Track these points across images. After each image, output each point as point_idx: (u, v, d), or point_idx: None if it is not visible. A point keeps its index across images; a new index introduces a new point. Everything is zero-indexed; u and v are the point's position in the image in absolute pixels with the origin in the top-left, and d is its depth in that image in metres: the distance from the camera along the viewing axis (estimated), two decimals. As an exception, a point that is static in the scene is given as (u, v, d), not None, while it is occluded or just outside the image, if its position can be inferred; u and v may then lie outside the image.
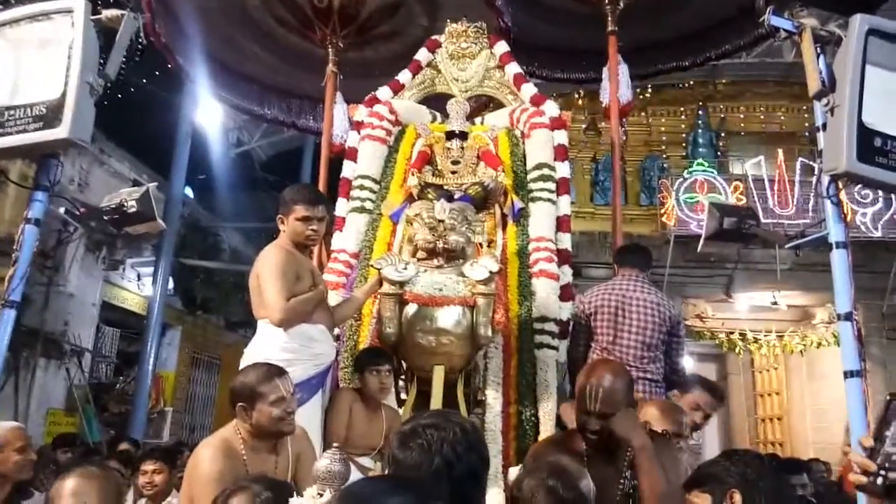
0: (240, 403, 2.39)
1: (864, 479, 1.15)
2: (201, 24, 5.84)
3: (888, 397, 1.20)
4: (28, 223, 2.26)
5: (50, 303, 8.19)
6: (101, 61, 2.30)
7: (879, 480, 1.13)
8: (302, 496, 2.02)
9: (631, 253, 4.20)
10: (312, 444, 2.62)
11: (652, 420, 2.72)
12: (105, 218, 3.54)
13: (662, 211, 10.20)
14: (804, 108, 10.78)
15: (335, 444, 2.19)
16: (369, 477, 2.54)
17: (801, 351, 10.79)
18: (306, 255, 3.25)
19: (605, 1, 5.36)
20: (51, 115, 2.16)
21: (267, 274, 2.94)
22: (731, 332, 10.99)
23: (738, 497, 1.84)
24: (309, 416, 2.89)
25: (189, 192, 11.80)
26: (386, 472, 1.59)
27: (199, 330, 11.95)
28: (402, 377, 3.57)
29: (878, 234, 9.42)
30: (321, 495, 2.01)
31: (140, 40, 2.56)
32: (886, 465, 1.14)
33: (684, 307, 10.19)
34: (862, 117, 1.98)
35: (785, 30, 2.18)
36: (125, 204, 3.48)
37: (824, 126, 2.07)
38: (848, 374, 1.98)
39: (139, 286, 10.29)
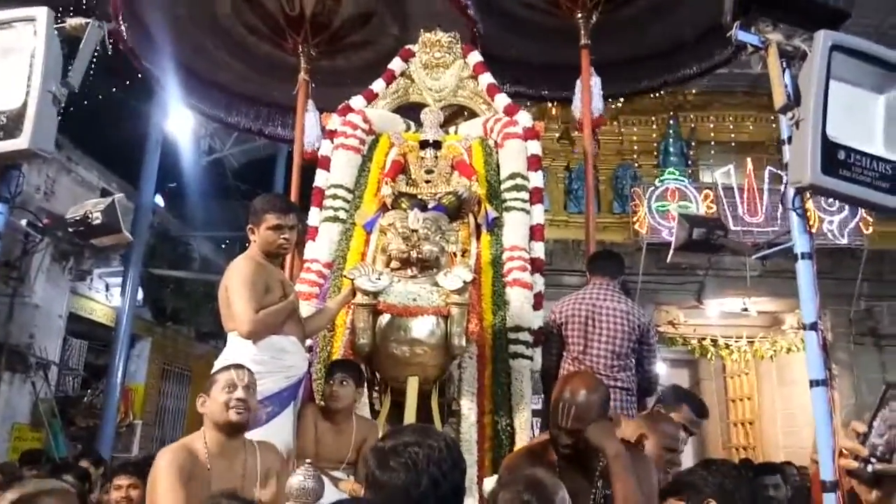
0: (201, 393, 2.45)
1: (854, 465, 1.17)
2: (170, 33, 5.77)
3: (885, 386, 1.22)
4: (-13, 235, 2.20)
5: (15, 314, 8.00)
6: (68, 70, 2.26)
7: (869, 468, 1.15)
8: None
9: (602, 260, 4.23)
10: (283, 460, 2.59)
11: (646, 433, 2.69)
12: (70, 230, 3.46)
13: (635, 219, 10.31)
14: (772, 118, 10.97)
15: (308, 461, 2.17)
16: (353, 499, 2.49)
17: (771, 356, 10.97)
18: (277, 265, 3.21)
19: (577, 14, 5.41)
20: (11, 125, 2.11)
21: (236, 285, 2.90)
22: (703, 338, 11.13)
23: None
24: (281, 429, 2.86)
25: (159, 200, 11.62)
26: (363, 492, 1.55)
27: (170, 341, 11.75)
28: (376, 388, 3.54)
29: (845, 241, 9.63)
30: (294, 512, 1.99)
31: (107, 48, 2.51)
32: (876, 454, 1.16)
33: (657, 314, 10.30)
34: (826, 131, 2.02)
35: (751, 44, 2.22)
36: (90, 216, 3.40)
37: (790, 139, 2.11)
38: (813, 383, 2.01)
39: (107, 297, 10.10)
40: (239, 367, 2.49)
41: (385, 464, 1.42)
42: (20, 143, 2.11)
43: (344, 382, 3.10)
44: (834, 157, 2.02)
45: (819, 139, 2.00)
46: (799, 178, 2.02)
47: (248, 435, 2.54)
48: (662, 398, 3.46)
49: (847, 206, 9.58)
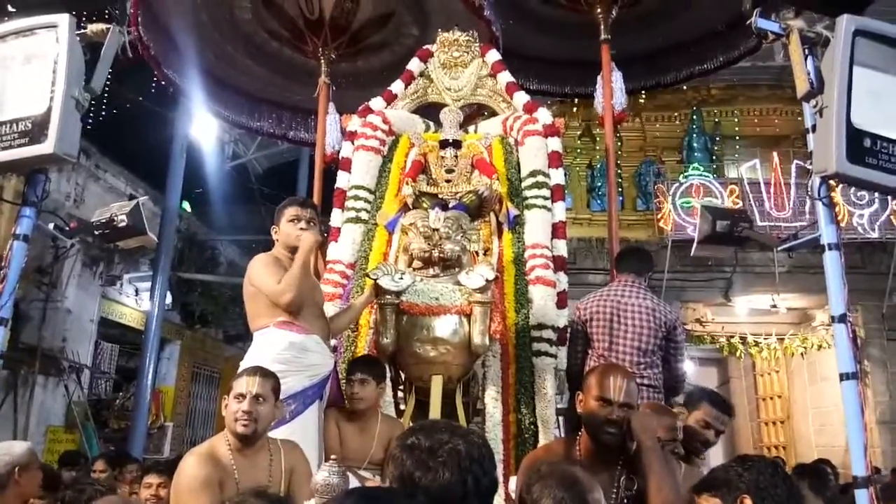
0: (224, 395, 2.48)
1: None
2: (192, 38, 5.86)
3: None
4: (16, 239, 2.25)
5: (47, 319, 8.17)
6: (87, 76, 2.30)
7: None
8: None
9: (627, 258, 4.18)
10: (307, 458, 2.60)
11: None
12: (96, 233, 3.52)
13: (659, 216, 10.19)
14: (798, 110, 10.71)
15: (333, 457, 2.18)
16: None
17: (801, 353, 10.75)
18: None
19: (597, 10, 5.38)
20: (36, 131, 2.15)
21: (256, 274, 2.98)
22: (732, 336, 10.95)
23: (749, 502, 1.81)
24: (305, 427, 2.87)
25: (186, 205, 11.79)
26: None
27: (199, 344, 11.92)
28: (401, 387, 3.55)
29: (875, 234, 9.42)
30: (320, 508, 2.00)
31: (129, 55, 2.55)
32: None
33: (684, 312, 10.15)
34: (851, 118, 1.97)
35: (772, 32, 2.18)
36: (115, 218, 3.46)
37: (814, 128, 2.07)
38: (843, 377, 1.96)
39: (137, 301, 10.27)
40: (254, 372, 2.48)
41: (425, 464, 1.38)
42: (45, 148, 2.15)
43: (364, 382, 3.08)
44: (859, 145, 1.97)
45: (844, 126, 1.96)
46: (824, 166, 1.97)
47: (273, 433, 2.56)
48: (687, 400, 3.44)
49: (877, 200, 9.37)
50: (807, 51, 2.11)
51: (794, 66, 2.09)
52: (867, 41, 2.04)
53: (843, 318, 1.99)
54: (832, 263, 2.05)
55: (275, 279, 2.91)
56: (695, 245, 3.95)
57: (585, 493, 1.65)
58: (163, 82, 6.16)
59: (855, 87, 1.99)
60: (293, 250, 3.10)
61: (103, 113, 8.59)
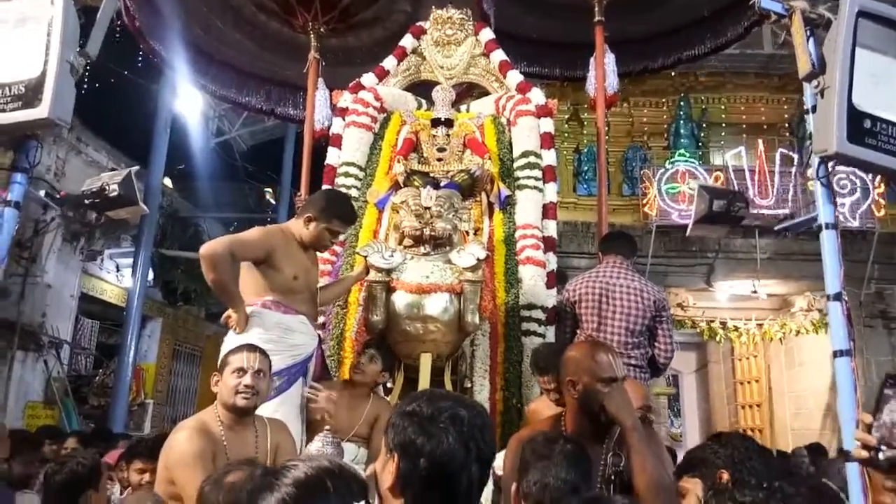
0: (215, 372, 2.47)
1: (865, 454, 1.18)
2: (179, 10, 5.74)
3: (885, 378, 1.23)
4: (7, 206, 2.20)
5: (27, 294, 8.04)
6: (82, 41, 2.24)
7: (881, 455, 1.16)
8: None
9: (614, 240, 4.21)
10: (292, 437, 2.61)
11: None
12: (86, 202, 3.46)
13: (644, 201, 10.25)
14: (784, 99, 10.88)
15: (327, 428, 2.19)
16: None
17: (780, 339, 10.93)
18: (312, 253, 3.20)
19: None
20: (30, 95, 2.11)
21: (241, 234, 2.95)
22: (712, 321, 11.09)
23: (726, 476, 1.85)
24: (289, 404, 2.87)
25: (168, 182, 11.64)
26: (386, 466, 1.47)
27: (180, 321, 11.83)
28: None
29: (856, 223, 9.54)
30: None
31: (124, 23, 2.50)
32: (883, 441, 1.17)
33: (666, 296, 10.25)
34: (852, 99, 1.99)
35: (775, 12, 2.19)
36: (107, 188, 3.40)
37: (814, 108, 2.08)
38: (837, 354, 1.99)
39: (118, 277, 10.16)
40: (252, 349, 2.49)
41: (426, 430, 1.36)
42: (39, 112, 2.10)
43: (373, 358, 3.14)
44: (860, 126, 1.99)
45: (845, 107, 1.97)
46: (824, 146, 1.99)
47: (259, 409, 2.55)
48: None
49: (859, 188, 9.49)
50: (809, 32, 2.12)
51: (797, 47, 2.10)
52: (870, 23, 2.05)
53: (838, 297, 2.01)
54: (829, 242, 2.07)
55: (230, 239, 2.83)
56: (691, 224, 3.96)
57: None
58: (149, 55, 6.04)
59: (857, 68, 2.00)
60: (308, 246, 3.09)
61: (86, 85, 8.40)
